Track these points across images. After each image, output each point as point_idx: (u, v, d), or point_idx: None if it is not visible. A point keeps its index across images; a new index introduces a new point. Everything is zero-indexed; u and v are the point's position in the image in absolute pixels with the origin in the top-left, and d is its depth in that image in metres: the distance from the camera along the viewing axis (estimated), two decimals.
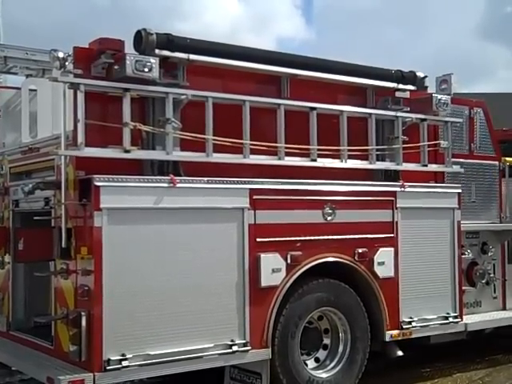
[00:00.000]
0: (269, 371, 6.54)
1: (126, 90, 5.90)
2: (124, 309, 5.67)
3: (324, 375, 6.97)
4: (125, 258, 5.71)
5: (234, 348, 6.23)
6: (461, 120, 8.53)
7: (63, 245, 5.83)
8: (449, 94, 8.39)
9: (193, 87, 6.35)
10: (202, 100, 6.35)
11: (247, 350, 6.32)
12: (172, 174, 6.06)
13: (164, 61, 6.18)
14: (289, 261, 6.62)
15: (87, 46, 6.06)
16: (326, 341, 7.19)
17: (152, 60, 5.95)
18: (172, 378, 6.50)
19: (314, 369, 7.04)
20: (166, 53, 6.19)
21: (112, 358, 5.57)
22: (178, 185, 6.04)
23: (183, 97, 6.24)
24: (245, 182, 6.45)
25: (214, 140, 6.35)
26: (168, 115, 6.10)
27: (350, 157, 7.28)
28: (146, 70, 5.89)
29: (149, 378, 6.73)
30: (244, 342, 6.30)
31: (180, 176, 6.18)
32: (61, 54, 5.73)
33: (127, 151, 5.88)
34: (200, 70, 6.50)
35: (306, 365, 6.98)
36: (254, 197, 6.46)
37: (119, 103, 5.89)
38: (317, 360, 7.13)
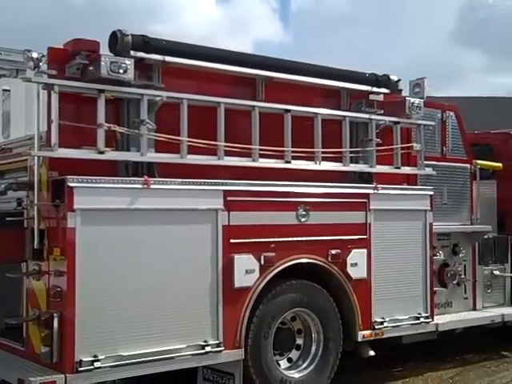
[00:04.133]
0: (242, 371, 6.58)
1: (101, 91, 5.89)
2: (96, 310, 5.66)
3: (297, 375, 7.02)
4: (98, 259, 5.70)
5: (207, 349, 6.26)
6: (433, 123, 8.65)
7: (35, 246, 5.81)
8: (422, 98, 8.53)
9: (168, 89, 6.37)
10: (177, 102, 6.37)
11: (220, 351, 6.34)
12: (146, 176, 6.07)
13: (139, 62, 6.19)
14: (262, 262, 6.66)
15: (62, 47, 6.05)
16: (299, 341, 7.24)
17: (127, 61, 5.95)
18: (145, 378, 6.51)
19: (287, 369, 7.09)
20: (141, 54, 6.19)
21: (84, 360, 5.56)
22: (152, 186, 6.05)
23: (158, 98, 6.25)
24: (219, 184, 6.48)
25: (189, 141, 6.38)
26: (143, 116, 6.11)
27: (324, 159, 7.35)
28: (121, 71, 5.90)
29: (121, 379, 6.74)
30: (217, 342, 6.33)
31: (154, 177, 6.19)
32: (35, 55, 5.70)
33: (101, 152, 5.88)
34: (175, 72, 6.52)
35: (279, 365, 7.03)
36: (228, 198, 6.49)
37: (94, 104, 5.89)
38: (290, 360, 7.18)
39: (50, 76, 5.78)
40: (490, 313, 9.08)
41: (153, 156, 6.27)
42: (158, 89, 6.35)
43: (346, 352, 7.41)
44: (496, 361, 8.79)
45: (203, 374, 6.91)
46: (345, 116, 7.59)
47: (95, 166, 5.89)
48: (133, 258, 5.91)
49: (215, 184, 6.46)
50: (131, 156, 6.17)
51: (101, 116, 5.89)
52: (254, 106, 6.89)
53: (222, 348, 6.36)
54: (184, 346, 6.12)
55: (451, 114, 9.10)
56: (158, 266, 6.07)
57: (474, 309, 9.16)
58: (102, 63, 5.80)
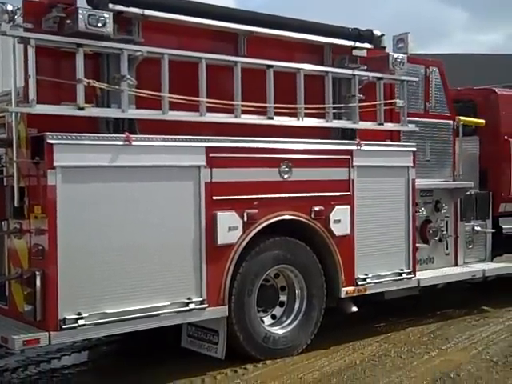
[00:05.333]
0: (226, 328, 6.61)
1: (79, 45, 5.76)
2: (79, 267, 5.62)
3: (280, 331, 7.07)
4: (79, 217, 5.64)
5: (191, 306, 6.26)
6: (417, 79, 8.58)
7: (16, 204, 5.73)
8: (405, 53, 8.44)
9: (148, 44, 6.24)
10: (158, 57, 6.25)
11: (204, 308, 6.35)
12: (128, 132, 5.98)
13: (118, 16, 6.05)
14: (245, 219, 6.63)
15: None
16: (283, 298, 7.28)
17: (105, 15, 5.81)
18: (129, 336, 6.54)
19: (271, 325, 7.13)
20: (119, 7, 6.06)
21: (68, 317, 5.54)
22: (134, 143, 5.97)
23: (138, 53, 6.13)
24: (201, 140, 6.41)
25: (170, 98, 6.28)
26: (123, 72, 6.00)
27: (307, 115, 7.28)
28: (100, 24, 5.76)
29: (106, 337, 6.76)
30: (201, 299, 6.33)
31: (136, 134, 6.10)
32: (10, 7, 5.58)
33: (81, 108, 5.77)
34: (155, 27, 6.39)
35: (263, 321, 7.07)
36: (211, 155, 6.43)
37: (72, 59, 5.76)
38: (273, 317, 7.22)
39: (26, 29, 5.65)
40: (471, 268, 9.15)
41: (134, 112, 6.17)
42: (137, 43, 6.22)
43: (329, 308, 7.47)
44: (476, 315, 8.88)
45: (187, 331, 6.94)
46: (327, 72, 7.50)
47: (75, 122, 5.79)
48: (115, 216, 5.86)
49: (197, 140, 6.39)
50: (112, 112, 6.07)
51: (80, 71, 5.76)
52: (236, 62, 6.78)
53: (206, 305, 6.36)
54: (168, 303, 6.12)
55: (435, 69, 9.01)
56: (141, 223, 6.02)
57: (456, 264, 9.23)
58: (80, 16, 5.65)
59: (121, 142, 5.89)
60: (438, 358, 7.00)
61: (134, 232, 5.97)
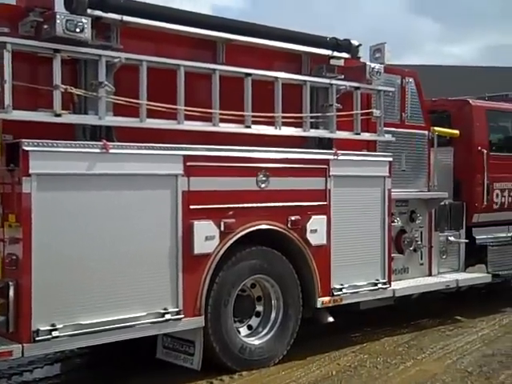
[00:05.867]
0: (202, 339, 6.53)
1: (57, 50, 5.67)
2: (54, 278, 5.50)
3: (256, 342, 7.00)
4: (55, 226, 5.53)
5: (167, 316, 6.17)
6: (393, 89, 8.61)
7: None
8: (382, 63, 8.47)
9: (127, 50, 6.17)
10: (136, 64, 6.18)
11: (180, 318, 6.27)
12: (105, 140, 5.88)
13: (96, 21, 5.97)
14: (222, 228, 6.57)
15: (14, 3, 5.78)
16: (259, 308, 7.22)
17: (84, 20, 5.72)
18: (103, 348, 6.42)
19: (247, 336, 7.07)
20: (98, 13, 5.98)
21: (41, 329, 5.42)
22: (111, 150, 5.87)
23: (117, 60, 6.04)
24: (179, 149, 6.34)
25: (148, 105, 6.21)
26: (101, 79, 5.91)
27: (285, 124, 7.26)
28: (78, 30, 5.66)
29: (79, 348, 6.63)
30: (177, 310, 6.25)
31: (113, 141, 6.02)
32: None
33: (58, 115, 5.67)
34: (134, 33, 6.33)
35: (239, 332, 7.00)
36: (188, 163, 6.36)
37: (49, 65, 5.65)
38: (249, 327, 7.16)
39: (2, 34, 5.50)
40: (445, 278, 9.19)
41: (111, 120, 6.09)
42: (116, 50, 6.14)
43: (305, 318, 7.44)
44: (450, 325, 8.92)
45: (163, 342, 6.84)
46: (305, 80, 7.49)
47: (52, 129, 5.68)
48: (91, 225, 5.75)
49: (175, 149, 6.32)
50: (89, 119, 5.97)
51: (57, 77, 5.66)
52: (214, 69, 6.73)
53: (182, 316, 6.28)
54: (144, 313, 6.03)
55: (411, 80, 9.06)
56: (117, 232, 5.93)
57: (430, 274, 9.27)
58: (58, 21, 5.55)
59: (98, 150, 5.80)
60: (414, 368, 7.00)
61: (110, 241, 5.88)
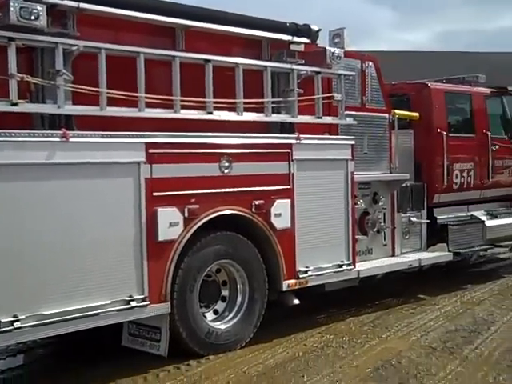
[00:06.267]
0: (168, 325, 6.56)
1: (11, 39, 5.58)
2: (14, 268, 5.46)
3: (223, 326, 7.06)
4: (14, 216, 5.48)
5: (133, 303, 6.18)
6: (353, 73, 8.68)
7: None
8: (342, 48, 8.54)
9: (84, 38, 6.11)
10: (95, 51, 6.13)
11: (146, 305, 6.28)
12: (64, 128, 5.85)
13: (52, 9, 5.90)
14: (186, 214, 6.59)
15: None
16: (225, 293, 7.27)
17: (39, 7, 5.66)
18: (67, 337, 6.40)
19: (214, 320, 7.12)
20: (53, 0, 5.90)
21: (3, 320, 5.36)
22: (71, 139, 5.84)
23: (74, 48, 5.99)
24: (140, 136, 6.33)
25: (108, 93, 6.17)
26: (58, 67, 5.85)
27: (246, 110, 7.28)
28: (33, 17, 5.60)
29: (43, 339, 6.59)
30: (142, 297, 6.26)
31: (73, 130, 5.98)
32: None
33: (14, 104, 5.61)
34: (92, 20, 6.27)
35: (205, 317, 7.05)
36: (150, 150, 6.35)
37: (4, 53, 5.58)
38: (216, 312, 7.21)
39: None
40: (407, 258, 9.37)
41: (71, 108, 6.03)
42: (73, 37, 6.08)
43: (271, 301, 7.51)
44: (413, 303, 9.08)
45: (128, 329, 6.85)
46: (266, 66, 7.52)
47: (8, 118, 5.61)
48: (52, 214, 5.72)
49: (137, 136, 6.30)
50: (48, 108, 5.92)
51: (12, 66, 5.59)
52: (174, 56, 6.72)
53: (148, 302, 6.29)
54: (108, 301, 6.02)
55: (370, 64, 9.15)
56: (80, 221, 5.91)
57: (393, 255, 9.43)
58: (11, 9, 5.48)
59: (57, 139, 5.75)
60: (379, 346, 7.13)
61: (73, 230, 5.86)
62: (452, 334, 7.48)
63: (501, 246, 11.23)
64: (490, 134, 10.81)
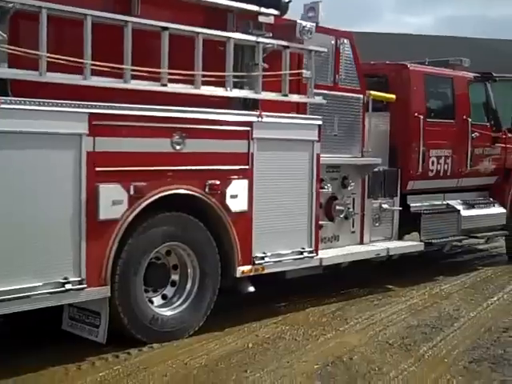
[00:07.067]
0: (108, 310, 6.13)
1: None
2: None
3: (169, 313, 6.64)
4: None
5: (68, 286, 5.73)
6: (325, 49, 8.15)
7: None
8: (317, 23, 8.08)
9: None
10: (35, 11, 5.63)
11: (83, 288, 5.84)
12: None
13: None
14: (132, 192, 6.13)
15: None
16: (175, 277, 6.85)
17: None
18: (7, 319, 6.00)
19: (161, 306, 6.70)
20: None
21: None
22: (3, 105, 5.36)
23: (10, 5, 5.48)
24: (83, 106, 5.84)
25: (49, 58, 5.69)
26: None
27: (206, 83, 6.81)
28: None
29: None
30: (79, 279, 5.81)
31: (7, 96, 5.50)
32: None
33: None
34: None
35: (152, 302, 6.63)
36: (94, 122, 5.88)
37: None
38: (164, 297, 6.79)
39: None
40: (375, 247, 8.96)
41: (5, 71, 5.55)
42: None
43: (226, 288, 7.10)
44: (380, 294, 8.71)
45: (69, 312, 6.42)
46: (229, 37, 7.03)
47: None
48: None
49: (79, 106, 5.82)
50: None
51: None
52: (126, 22, 6.22)
53: (85, 285, 5.86)
54: (40, 283, 5.58)
55: (345, 41, 8.65)
56: (13, 195, 5.46)
57: (362, 243, 9.02)
58: None
59: None
60: (334, 340, 6.74)
61: (4, 205, 5.40)
62: (412, 330, 7.10)
63: (476, 237, 10.82)
64: (470, 120, 10.37)
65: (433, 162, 9.84)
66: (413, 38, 30.16)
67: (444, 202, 10.17)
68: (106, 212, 5.97)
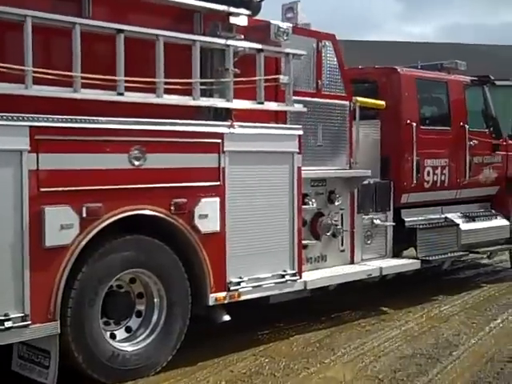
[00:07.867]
0: (58, 348, 5.42)
1: None
2: None
3: (131, 348, 5.92)
4: None
5: (8, 324, 5.03)
6: (305, 52, 7.48)
7: None
8: (296, 24, 7.45)
9: None
10: None
11: (26, 325, 5.15)
12: None
13: None
14: (84, 215, 5.45)
15: None
16: (140, 307, 6.14)
17: None
18: None
19: (125, 340, 6.00)
20: None
21: None
22: None
23: None
24: (24, 119, 5.18)
25: None
26: None
27: (169, 91, 6.15)
28: None
29: None
30: (22, 315, 5.12)
31: None
32: None
33: None
34: None
35: (115, 336, 5.93)
36: (37, 136, 5.21)
37: None
38: (128, 330, 6.08)
39: None
40: (367, 266, 8.23)
41: None
42: None
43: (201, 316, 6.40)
44: (373, 318, 7.98)
45: (18, 351, 5.71)
46: (194, 40, 6.37)
47: None
48: None
49: (19, 119, 5.16)
50: None
51: None
52: (74, 23, 5.58)
53: (29, 322, 5.16)
54: None
55: (328, 43, 7.98)
56: None
57: (352, 262, 8.30)
58: None
59: None
60: (318, 375, 6.00)
61: None
62: (406, 361, 6.35)
63: (477, 253, 10.08)
64: (467, 127, 9.68)
65: (428, 173, 9.14)
66: (413, 46, 29.68)
67: (442, 216, 9.47)
68: (52, 238, 5.28)
